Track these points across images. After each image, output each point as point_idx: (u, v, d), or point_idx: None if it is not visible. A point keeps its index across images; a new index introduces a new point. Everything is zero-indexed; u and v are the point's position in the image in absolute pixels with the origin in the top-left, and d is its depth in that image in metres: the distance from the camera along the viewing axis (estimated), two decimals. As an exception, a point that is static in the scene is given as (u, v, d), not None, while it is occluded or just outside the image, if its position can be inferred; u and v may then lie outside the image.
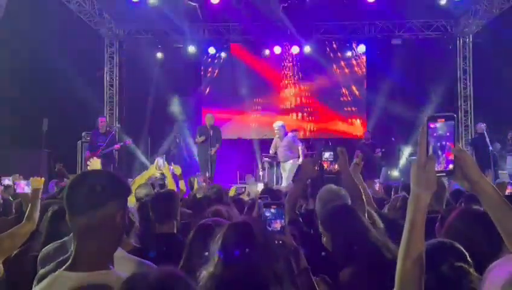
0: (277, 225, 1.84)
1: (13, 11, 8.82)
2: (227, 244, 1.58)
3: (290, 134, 9.72)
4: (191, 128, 11.96)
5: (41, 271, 1.76)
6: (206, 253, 1.64)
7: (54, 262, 1.86)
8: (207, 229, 1.98)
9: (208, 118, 9.95)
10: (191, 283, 1.17)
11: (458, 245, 1.60)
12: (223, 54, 13.02)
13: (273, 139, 10.00)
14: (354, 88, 13.25)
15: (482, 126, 9.96)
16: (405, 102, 11.76)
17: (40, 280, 1.64)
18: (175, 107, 12.34)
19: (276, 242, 1.76)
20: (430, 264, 1.30)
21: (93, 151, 9.36)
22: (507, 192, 4.64)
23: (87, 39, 11.61)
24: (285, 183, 9.12)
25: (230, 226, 1.68)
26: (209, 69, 13.41)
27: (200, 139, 9.78)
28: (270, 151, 9.96)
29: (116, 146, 9.67)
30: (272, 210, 1.85)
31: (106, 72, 12.84)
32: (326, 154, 3.18)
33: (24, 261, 2.65)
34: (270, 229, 1.82)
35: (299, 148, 9.54)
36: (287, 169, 9.44)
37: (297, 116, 13.30)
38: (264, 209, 1.88)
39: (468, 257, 1.56)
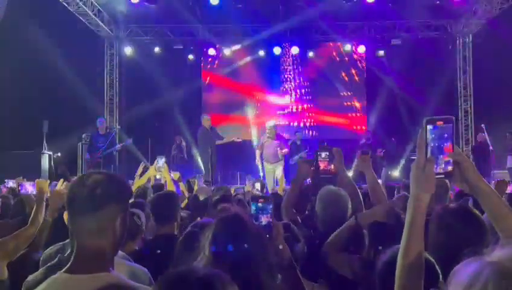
0: (263, 219, 1.82)
1: (13, 12, 8.83)
2: (217, 238, 1.59)
3: (280, 136, 9.64)
4: (191, 129, 11.97)
5: (29, 277, 1.74)
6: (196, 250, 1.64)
7: (41, 269, 1.87)
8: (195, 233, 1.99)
9: (207, 120, 9.88)
10: (236, 287, 1.13)
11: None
12: (222, 55, 13.01)
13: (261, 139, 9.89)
14: (353, 88, 13.25)
15: (483, 135, 10.09)
16: (405, 102, 11.76)
17: (28, 287, 1.63)
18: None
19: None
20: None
21: (93, 153, 9.32)
22: (509, 190, 4.62)
23: (87, 40, 11.63)
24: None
25: (220, 220, 1.69)
26: (209, 70, 13.41)
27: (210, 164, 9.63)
28: (257, 152, 9.73)
29: (117, 146, 9.66)
30: (259, 204, 1.84)
31: (106, 74, 12.85)
32: (323, 154, 3.16)
33: (28, 264, 2.65)
34: (256, 223, 1.81)
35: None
36: (279, 172, 9.30)
37: (297, 116, 13.29)
38: (251, 202, 1.87)
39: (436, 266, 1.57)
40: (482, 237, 1.88)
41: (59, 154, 9.29)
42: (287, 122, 13.17)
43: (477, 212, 1.98)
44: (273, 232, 1.79)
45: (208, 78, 13.44)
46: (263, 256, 1.53)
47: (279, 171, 9.34)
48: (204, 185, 6.03)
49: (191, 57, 12.81)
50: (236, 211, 1.77)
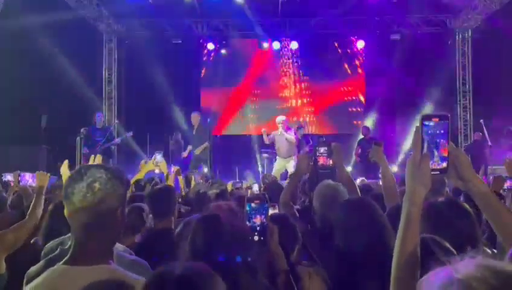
0: (257, 220, 1.81)
1: (11, 7, 8.80)
2: (195, 238, 1.60)
3: (292, 130, 9.56)
4: (189, 124, 11.96)
5: (30, 270, 1.75)
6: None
7: (42, 261, 1.87)
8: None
9: (192, 118, 9.79)
10: (219, 279, 1.17)
11: (440, 239, 1.62)
12: (221, 50, 12.98)
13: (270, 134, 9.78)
14: (352, 83, 13.24)
15: (480, 134, 10.16)
16: (404, 97, 11.77)
17: (29, 279, 1.64)
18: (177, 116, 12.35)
19: (255, 239, 1.77)
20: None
21: (91, 147, 9.27)
22: (506, 186, 4.63)
23: (86, 35, 11.58)
24: None
25: (199, 219, 1.70)
26: (208, 65, 13.38)
27: (184, 154, 9.90)
28: (267, 142, 9.53)
29: (116, 140, 9.64)
30: (253, 205, 1.83)
31: (105, 69, 12.82)
32: (321, 149, 3.17)
33: (26, 257, 2.65)
34: (249, 224, 1.80)
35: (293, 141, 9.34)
36: (292, 167, 9.18)
37: (296, 111, 13.27)
38: (246, 203, 1.86)
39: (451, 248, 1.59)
40: (471, 231, 1.88)
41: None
42: (286, 112, 13.15)
43: (466, 206, 1.99)
44: (267, 236, 1.79)
45: (207, 73, 13.40)
46: (242, 258, 1.53)
47: (290, 166, 9.22)
48: (201, 181, 6.03)
49: (190, 50, 12.57)
50: (224, 210, 1.77)
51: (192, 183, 5.67)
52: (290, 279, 1.83)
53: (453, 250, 1.58)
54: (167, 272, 1.16)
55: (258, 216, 1.81)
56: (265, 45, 12.73)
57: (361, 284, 1.98)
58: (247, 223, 1.81)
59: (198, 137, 9.55)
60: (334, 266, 2.15)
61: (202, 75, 13.38)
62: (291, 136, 9.28)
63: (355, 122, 13.18)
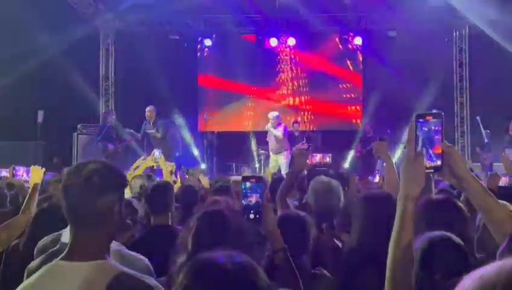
0: (252, 199, 1.81)
1: (7, 1, 8.77)
2: (199, 233, 1.60)
3: (282, 125, 9.59)
4: (186, 120, 11.97)
5: (30, 265, 1.76)
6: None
7: (43, 255, 1.87)
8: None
9: (146, 112, 9.70)
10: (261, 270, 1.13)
11: (457, 240, 1.61)
12: (219, 46, 12.94)
13: (267, 131, 9.84)
14: (350, 80, 13.23)
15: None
16: (401, 94, 11.77)
17: (29, 273, 1.65)
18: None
19: (251, 217, 1.77)
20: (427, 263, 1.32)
21: (113, 143, 9.44)
22: (502, 183, 4.66)
23: (83, 30, 11.54)
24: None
25: (203, 215, 1.70)
26: (205, 61, 13.34)
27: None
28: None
29: (129, 140, 9.76)
30: (248, 184, 1.84)
31: (102, 65, 12.78)
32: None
33: (20, 253, 2.65)
34: (244, 203, 1.81)
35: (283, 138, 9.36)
36: (283, 162, 9.25)
37: (294, 108, 13.27)
38: (241, 182, 1.87)
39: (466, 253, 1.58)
40: (463, 230, 1.89)
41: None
42: (283, 115, 13.13)
43: (459, 203, 2.00)
44: (263, 214, 1.79)
45: (204, 69, 13.37)
46: (245, 253, 1.54)
47: (282, 160, 9.26)
48: (186, 177, 6.05)
49: (188, 46, 12.59)
50: (222, 205, 1.75)
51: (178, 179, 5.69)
52: (287, 256, 1.83)
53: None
54: (209, 261, 1.08)
55: (254, 195, 1.81)
56: (262, 41, 12.72)
57: (368, 280, 1.98)
58: (242, 202, 1.82)
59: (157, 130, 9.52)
60: (340, 263, 2.16)
61: (199, 71, 13.35)
62: (278, 132, 9.31)
63: (353, 119, 13.19)
